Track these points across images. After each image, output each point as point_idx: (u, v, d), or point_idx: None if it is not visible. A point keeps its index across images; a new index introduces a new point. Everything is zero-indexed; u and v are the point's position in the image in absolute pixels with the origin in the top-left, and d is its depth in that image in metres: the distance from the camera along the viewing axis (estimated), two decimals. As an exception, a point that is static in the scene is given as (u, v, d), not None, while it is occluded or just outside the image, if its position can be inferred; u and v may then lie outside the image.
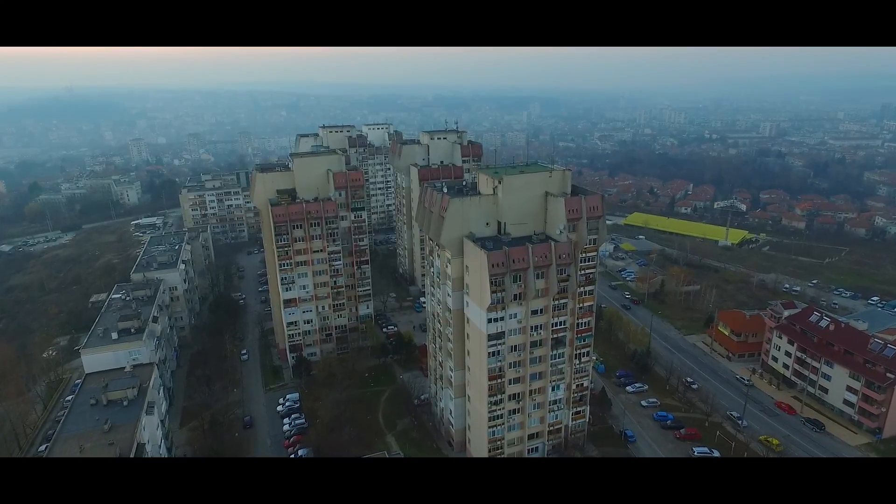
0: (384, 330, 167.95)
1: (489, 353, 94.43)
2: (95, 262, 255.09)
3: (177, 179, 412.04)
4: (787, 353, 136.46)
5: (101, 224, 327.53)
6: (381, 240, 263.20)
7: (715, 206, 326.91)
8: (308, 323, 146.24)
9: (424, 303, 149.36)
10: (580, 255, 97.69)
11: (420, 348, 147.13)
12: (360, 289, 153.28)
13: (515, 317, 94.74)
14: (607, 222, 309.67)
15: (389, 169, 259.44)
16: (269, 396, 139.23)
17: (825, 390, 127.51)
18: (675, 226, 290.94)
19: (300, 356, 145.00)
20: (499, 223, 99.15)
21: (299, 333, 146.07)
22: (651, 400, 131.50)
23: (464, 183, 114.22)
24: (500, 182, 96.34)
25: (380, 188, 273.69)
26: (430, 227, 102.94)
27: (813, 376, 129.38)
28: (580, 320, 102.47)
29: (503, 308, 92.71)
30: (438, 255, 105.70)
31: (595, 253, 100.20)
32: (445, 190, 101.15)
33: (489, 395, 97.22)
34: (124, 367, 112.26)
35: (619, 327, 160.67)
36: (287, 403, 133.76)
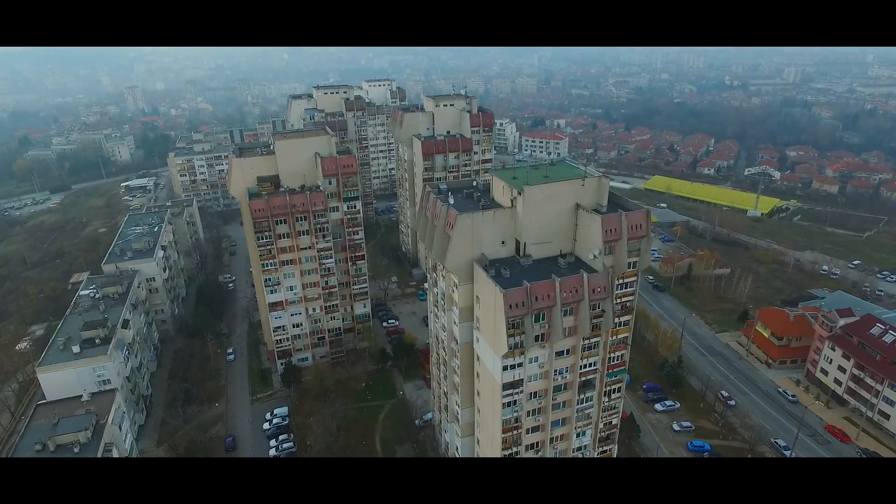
0: (384, 325, 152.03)
1: (504, 404, 78.00)
2: (81, 230, 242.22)
3: (171, 133, 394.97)
4: (841, 368, 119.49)
5: (90, 184, 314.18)
6: (382, 208, 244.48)
7: (745, 173, 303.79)
8: (297, 327, 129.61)
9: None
10: (617, 282, 79.88)
11: (423, 352, 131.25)
12: (355, 286, 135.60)
13: (536, 360, 77.62)
14: (626, 186, 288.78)
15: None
16: (255, 409, 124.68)
17: (886, 415, 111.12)
18: (700, 192, 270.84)
19: (289, 363, 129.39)
20: (517, 241, 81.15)
21: (288, 338, 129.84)
22: (684, 424, 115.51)
23: (474, 183, 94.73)
24: (519, 193, 77.66)
25: (381, 151, 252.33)
26: (432, 244, 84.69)
27: (872, 398, 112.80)
28: (613, 354, 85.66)
29: (522, 353, 75.66)
30: (443, 276, 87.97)
31: (635, 277, 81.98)
32: (452, 201, 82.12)
33: (503, 448, 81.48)
34: (81, 396, 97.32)
35: (647, 327, 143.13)
36: (275, 420, 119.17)
